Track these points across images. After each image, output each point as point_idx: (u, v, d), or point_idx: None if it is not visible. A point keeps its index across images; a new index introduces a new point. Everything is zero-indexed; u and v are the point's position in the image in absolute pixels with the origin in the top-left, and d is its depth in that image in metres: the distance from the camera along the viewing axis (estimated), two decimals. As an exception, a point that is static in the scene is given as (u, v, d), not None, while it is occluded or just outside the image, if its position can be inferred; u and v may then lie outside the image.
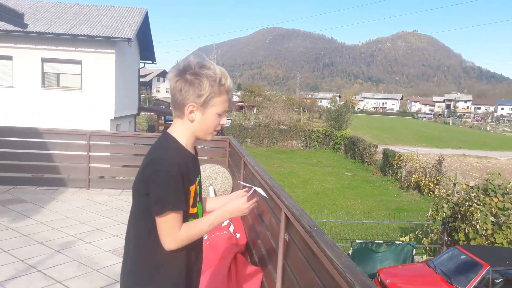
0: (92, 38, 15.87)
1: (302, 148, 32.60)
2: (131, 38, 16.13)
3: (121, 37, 16.00)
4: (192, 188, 1.53)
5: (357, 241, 9.29)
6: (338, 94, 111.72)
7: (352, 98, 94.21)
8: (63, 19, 17.30)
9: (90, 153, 5.88)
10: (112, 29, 16.71)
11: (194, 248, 1.59)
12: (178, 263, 1.52)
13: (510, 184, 10.89)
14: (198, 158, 1.74)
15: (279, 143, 32.94)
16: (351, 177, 21.45)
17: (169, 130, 1.58)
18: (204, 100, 1.50)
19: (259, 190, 1.58)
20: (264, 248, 3.22)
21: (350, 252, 8.95)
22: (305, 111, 65.77)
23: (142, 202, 1.47)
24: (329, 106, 57.40)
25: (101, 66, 16.39)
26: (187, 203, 1.50)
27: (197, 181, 1.60)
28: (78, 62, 16.32)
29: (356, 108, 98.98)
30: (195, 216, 1.59)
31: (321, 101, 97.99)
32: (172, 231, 1.43)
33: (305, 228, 1.98)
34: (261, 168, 3.50)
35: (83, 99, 16.29)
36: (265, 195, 1.61)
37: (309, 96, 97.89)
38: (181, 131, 1.56)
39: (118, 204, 5.41)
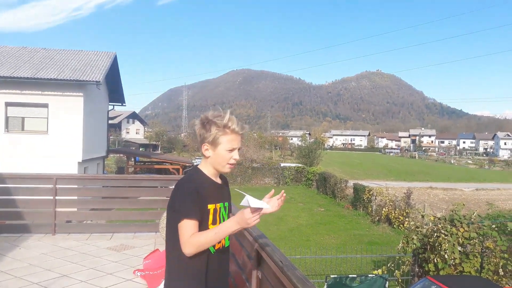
0: (59, 81, 15.79)
1: (275, 185, 32.69)
2: (99, 81, 16.15)
3: (89, 80, 16.00)
4: (211, 206, 1.91)
5: (331, 276, 9.24)
6: (308, 132, 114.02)
7: (322, 135, 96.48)
8: (29, 63, 17.19)
9: (57, 197, 5.72)
10: (80, 72, 16.70)
11: (212, 270, 1.91)
12: (199, 273, 1.87)
13: (474, 214, 11.26)
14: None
15: (252, 181, 32.92)
16: (323, 212, 21.56)
17: (199, 165, 2.04)
18: (213, 140, 1.92)
19: (252, 199, 1.79)
20: (237, 286, 3.19)
21: (325, 287, 8.88)
22: (277, 149, 66.53)
23: (171, 216, 1.88)
24: (300, 143, 58.36)
25: (69, 109, 16.21)
26: (203, 216, 1.86)
27: (220, 205, 1.98)
28: (45, 105, 16.09)
29: (326, 145, 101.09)
30: None
31: (292, 139, 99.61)
32: (186, 236, 1.79)
33: (277, 264, 2.03)
34: (233, 205, 3.53)
35: (50, 143, 15.93)
36: (262, 205, 1.81)
37: (280, 134, 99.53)
38: (204, 166, 2.01)
39: (86, 248, 5.22)
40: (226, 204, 2.06)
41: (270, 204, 2.03)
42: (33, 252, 5.00)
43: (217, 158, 1.96)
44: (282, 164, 38.73)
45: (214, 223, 1.91)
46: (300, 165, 35.12)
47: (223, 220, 1.98)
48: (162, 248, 5.15)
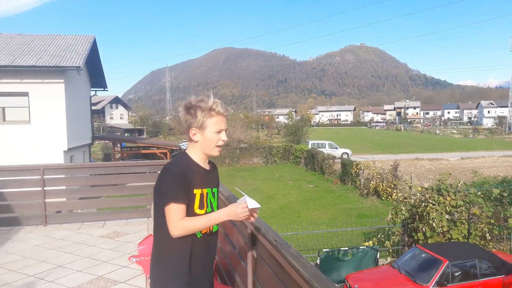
0: (38, 68, 15.35)
1: (264, 164, 32.84)
2: (80, 67, 15.77)
3: (69, 66, 15.61)
4: (197, 191, 1.95)
5: (324, 250, 9.45)
6: (294, 109, 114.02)
7: (308, 112, 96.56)
8: (5, 50, 16.65)
9: (45, 188, 5.65)
10: (59, 58, 16.27)
11: (197, 254, 1.98)
12: (183, 257, 1.94)
13: (460, 183, 11.58)
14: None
15: (240, 161, 32.99)
16: (313, 188, 21.83)
17: (187, 150, 2.08)
18: (200, 124, 1.97)
19: (249, 199, 1.93)
20: (233, 267, 3.24)
21: (318, 261, 9.08)
22: (263, 128, 66.54)
23: (157, 200, 1.92)
24: (286, 121, 58.44)
25: (50, 96, 15.84)
26: (190, 200, 1.91)
27: (207, 190, 2.02)
28: (25, 94, 15.69)
29: (312, 122, 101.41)
30: None
31: (278, 117, 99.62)
32: (175, 219, 1.84)
33: (271, 242, 2.05)
34: (224, 187, 3.54)
35: (33, 132, 15.61)
36: (257, 205, 1.94)
37: (267, 113, 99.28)
38: (192, 151, 2.05)
39: (79, 238, 5.21)
40: (215, 189, 2.10)
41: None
42: (26, 244, 4.97)
43: (205, 142, 2.01)
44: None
45: (201, 207, 1.96)
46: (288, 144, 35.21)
47: (210, 205, 2.04)
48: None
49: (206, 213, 1.98)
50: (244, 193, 1.99)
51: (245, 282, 2.70)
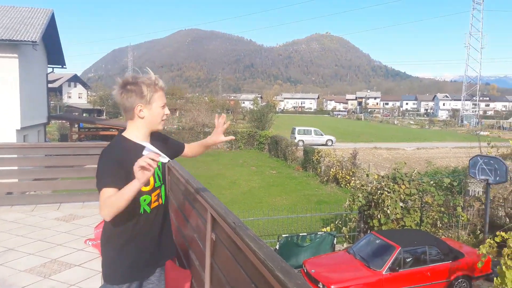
0: (-10, 41, 14.43)
1: (228, 149, 32.81)
2: (36, 41, 14.96)
3: (25, 40, 14.77)
4: None
5: (283, 235, 9.63)
6: (260, 95, 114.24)
7: (273, 99, 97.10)
8: (-48, 20, 15.50)
9: (-4, 168, 5.39)
10: (14, 31, 15.34)
11: (142, 233, 2.01)
12: (123, 237, 1.98)
13: (414, 172, 12.11)
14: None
15: (203, 146, 32.79)
16: (275, 175, 22.11)
17: (123, 132, 2.06)
18: (147, 99, 1.98)
19: (149, 146, 1.77)
20: (192, 251, 3.25)
21: (277, 246, 9.26)
22: (229, 113, 66.25)
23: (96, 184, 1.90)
24: (252, 107, 58.43)
25: (2, 71, 14.96)
26: (129, 182, 1.79)
27: None
28: (-26, 68, 14.74)
29: (277, 108, 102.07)
30: (150, 192, 2.05)
31: (244, 103, 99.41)
32: (102, 201, 1.82)
33: (230, 225, 2.08)
34: (186, 171, 3.53)
35: (-17, 109, 14.74)
36: (157, 153, 1.75)
37: (232, 97, 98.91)
38: (133, 129, 2.04)
39: (32, 220, 5.02)
40: (159, 163, 1.98)
41: (215, 134, 2.44)
42: (-27, 226, 4.74)
43: (152, 117, 2.03)
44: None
45: (147, 184, 1.95)
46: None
47: (158, 178, 2.09)
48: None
49: (153, 187, 2.03)
50: (143, 143, 1.83)
51: (203, 266, 2.72)
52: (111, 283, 2.02)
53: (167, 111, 2.09)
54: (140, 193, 1.91)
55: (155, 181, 2.05)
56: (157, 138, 2.19)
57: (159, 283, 2.24)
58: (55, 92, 65.73)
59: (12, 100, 15.10)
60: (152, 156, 1.72)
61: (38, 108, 19.09)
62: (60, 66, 22.49)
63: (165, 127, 40.64)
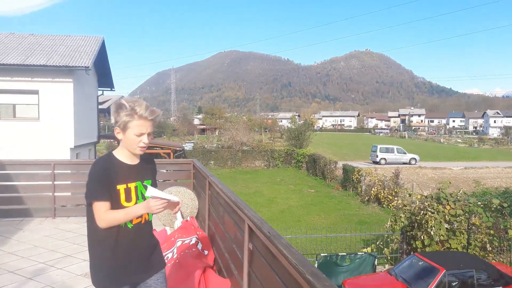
0: (49, 67, 15.68)
1: (266, 167, 33.05)
2: (88, 67, 16.08)
3: (79, 66, 15.92)
4: (121, 187, 2.11)
5: (322, 254, 9.59)
6: (298, 114, 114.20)
7: (311, 117, 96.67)
8: (17, 50, 17.01)
9: (55, 182, 5.91)
10: (69, 58, 16.60)
11: (124, 242, 2.13)
12: (107, 246, 2.09)
13: (460, 192, 11.61)
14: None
15: (242, 164, 33.24)
16: (314, 193, 21.99)
17: (114, 150, 2.23)
18: (122, 125, 2.10)
19: (152, 190, 2.02)
20: (231, 260, 3.46)
21: (316, 265, 9.23)
22: (266, 131, 66.74)
23: (85, 196, 2.09)
24: (289, 125, 58.59)
25: (59, 95, 16.18)
26: (113, 196, 2.07)
27: (136, 184, 2.18)
28: (35, 92, 16.03)
29: (315, 126, 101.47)
30: None
31: (281, 121, 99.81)
32: (98, 214, 2.02)
33: (265, 234, 2.27)
34: (225, 186, 3.76)
35: (41, 129, 15.94)
36: (165, 197, 2.03)
37: (270, 116, 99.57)
38: (119, 147, 2.20)
39: (86, 231, 5.44)
40: (147, 182, 2.23)
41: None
42: (36, 234, 5.23)
43: (127, 141, 2.13)
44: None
45: (128, 200, 2.12)
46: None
47: (142, 197, 2.19)
48: (160, 228, 5.40)
49: (135, 204, 2.14)
50: (148, 186, 2.10)
51: (241, 274, 2.91)
52: (97, 287, 2.14)
53: (145, 140, 2.14)
54: (121, 208, 2.09)
55: (137, 198, 2.16)
56: (146, 160, 2.32)
57: (156, 285, 2.32)
58: (104, 113, 69.27)
59: (67, 120, 16.24)
60: (163, 202, 2.02)
61: (89, 128, 20.31)
62: (109, 89, 23.84)
63: (205, 146, 41.69)
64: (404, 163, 34.29)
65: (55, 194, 5.97)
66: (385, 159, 34.54)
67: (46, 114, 16.07)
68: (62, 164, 6.17)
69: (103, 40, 20.11)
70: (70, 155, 16.19)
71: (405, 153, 35.67)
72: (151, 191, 2.02)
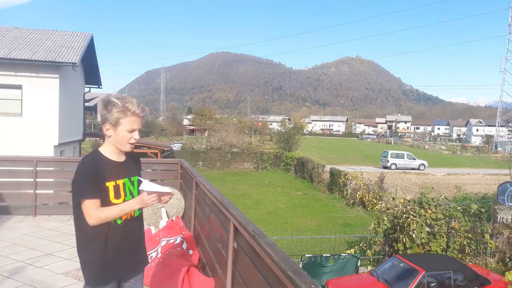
0: (34, 62, 15.37)
1: (254, 169, 33.04)
2: (75, 63, 15.85)
3: (65, 62, 15.68)
4: (110, 184, 2.10)
5: (306, 255, 9.64)
6: (288, 117, 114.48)
7: (301, 121, 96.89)
8: (1, 42, 16.65)
9: (37, 180, 5.79)
10: (56, 53, 16.34)
11: (113, 239, 2.13)
12: (98, 243, 2.09)
13: (441, 197, 11.87)
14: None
15: (231, 166, 33.16)
16: (301, 196, 22.06)
17: (100, 147, 2.22)
18: (113, 121, 2.09)
19: (146, 184, 2.04)
20: (215, 259, 3.44)
21: (300, 266, 9.26)
22: (256, 134, 66.76)
23: (73, 194, 2.07)
24: (279, 128, 58.73)
25: (44, 91, 15.88)
26: (102, 193, 2.06)
27: (124, 180, 2.17)
28: (18, 87, 15.70)
29: (304, 130, 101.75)
30: None
31: (271, 124, 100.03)
32: (89, 212, 2.00)
33: (250, 233, 2.27)
34: (212, 186, 3.75)
35: (24, 125, 15.61)
36: (158, 189, 2.03)
37: (260, 119, 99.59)
38: (106, 145, 2.19)
39: (68, 229, 5.35)
40: (134, 178, 2.24)
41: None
42: (15, 232, 5.11)
43: (117, 138, 2.13)
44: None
45: (117, 197, 2.12)
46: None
47: (130, 193, 2.20)
48: (144, 227, 5.33)
49: (124, 201, 2.13)
50: (142, 179, 2.10)
51: (225, 273, 2.90)
52: (90, 286, 2.14)
53: (136, 136, 2.16)
54: (110, 204, 2.09)
55: (125, 195, 2.16)
56: (133, 157, 2.33)
57: (136, 282, 2.34)
58: (90, 110, 68.48)
59: (51, 117, 15.96)
60: (156, 194, 2.03)
61: (75, 126, 20.03)
62: (97, 86, 23.56)
63: (194, 147, 41.49)
64: (413, 169, 35.41)
65: (37, 191, 5.85)
66: (395, 164, 35.47)
67: (30, 110, 15.75)
68: (45, 161, 6.06)
69: (92, 37, 19.87)
70: (54, 152, 15.92)
71: (414, 159, 36.54)
72: (145, 185, 2.02)
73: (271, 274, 1.88)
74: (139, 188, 2.04)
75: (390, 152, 37.10)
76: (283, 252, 1.88)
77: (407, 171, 34.38)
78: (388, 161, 35.47)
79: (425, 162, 36.42)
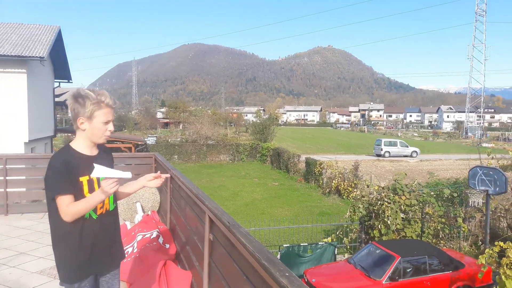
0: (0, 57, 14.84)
1: (231, 161, 33.05)
2: (43, 57, 15.35)
3: (33, 56, 15.16)
4: (84, 179, 2.10)
5: (284, 245, 9.77)
6: (263, 108, 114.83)
7: (276, 112, 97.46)
8: (-36, 37, 15.96)
9: (7, 178, 5.64)
10: (22, 47, 15.77)
11: (89, 234, 2.13)
12: (73, 239, 2.09)
13: (415, 183, 12.19)
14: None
15: (207, 158, 33.05)
16: (277, 186, 22.26)
17: (71, 142, 2.20)
18: (88, 114, 2.08)
19: (98, 168, 2.00)
20: (192, 252, 3.47)
21: (278, 256, 9.39)
22: (231, 125, 66.63)
23: (46, 191, 2.06)
24: (254, 120, 58.78)
25: (11, 86, 15.34)
26: (77, 188, 2.06)
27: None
28: (-17, 83, 15.12)
29: (279, 121, 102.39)
30: None
31: (246, 115, 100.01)
32: (63, 208, 1.99)
33: (225, 224, 2.31)
34: (186, 179, 3.76)
35: (-8, 122, 15.08)
36: (112, 175, 2.01)
37: (235, 110, 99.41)
38: (78, 139, 2.18)
39: (42, 227, 5.26)
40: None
41: (152, 182, 2.33)
42: (-14, 232, 4.98)
43: (93, 131, 2.13)
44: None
45: (92, 192, 2.11)
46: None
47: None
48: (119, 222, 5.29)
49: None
50: (95, 165, 2.03)
51: (202, 265, 2.94)
52: (66, 282, 2.13)
53: (110, 127, 2.17)
54: (79, 200, 2.06)
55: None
56: (105, 151, 2.34)
57: (113, 277, 2.35)
58: (61, 106, 66.51)
59: (20, 113, 15.45)
60: (114, 180, 1.99)
61: (45, 122, 19.46)
62: (67, 81, 22.94)
63: (169, 140, 41.07)
64: (405, 156, 36.59)
65: (8, 190, 5.70)
66: (389, 152, 36.47)
67: (-3, 106, 15.21)
68: (15, 158, 5.90)
69: (60, 30, 19.25)
70: (25, 149, 15.45)
71: (407, 147, 37.73)
72: (97, 171, 1.98)
73: (246, 264, 1.93)
74: (91, 175, 1.99)
75: (383, 140, 38.37)
76: (258, 242, 1.93)
77: (380, 159, 35.15)
78: (381, 149, 36.43)
79: (417, 149, 37.76)
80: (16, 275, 3.69)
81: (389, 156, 36.16)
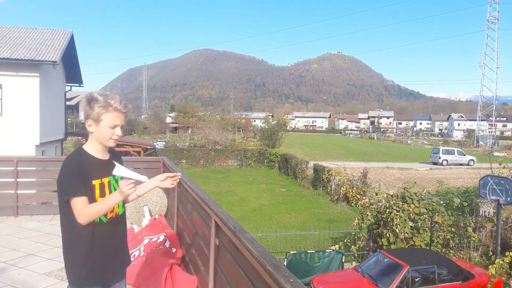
0: (13, 61, 15.08)
1: (238, 167, 33.06)
2: (56, 61, 15.59)
3: (46, 60, 15.41)
4: (96, 182, 2.11)
5: (291, 252, 9.71)
6: (271, 114, 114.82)
7: (284, 117, 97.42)
8: (-21, 41, 16.29)
9: (18, 180, 5.72)
10: (36, 52, 16.04)
11: (100, 238, 2.13)
12: (85, 242, 2.09)
13: (424, 192, 12.04)
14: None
15: (215, 163, 33.12)
16: (285, 192, 22.19)
17: (84, 145, 2.22)
18: (95, 117, 2.10)
19: (119, 168, 2.03)
20: (198, 257, 3.48)
21: (285, 263, 9.34)
22: (240, 131, 66.75)
23: (59, 193, 2.06)
24: (262, 125, 58.84)
25: (24, 90, 15.59)
26: (89, 191, 2.06)
27: (109, 179, 2.19)
28: (-3, 86, 15.39)
29: (288, 127, 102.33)
30: None
31: (255, 121, 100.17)
32: (78, 210, 1.99)
33: (230, 229, 2.31)
34: (193, 183, 3.77)
35: (4, 125, 15.31)
36: (131, 176, 2.03)
37: (243, 116, 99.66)
38: (90, 142, 2.20)
39: (50, 229, 5.31)
40: (118, 177, 2.21)
41: (164, 183, 2.28)
42: (-4, 233, 5.04)
43: (100, 134, 2.13)
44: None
45: (102, 196, 2.12)
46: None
47: (114, 189, 2.20)
48: (129, 225, 5.32)
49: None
50: (116, 163, 2.07)
51: (207, 270, 2.94)
52: (75, 285, 2.12)
53: (118, 132, 2.17)
54: (95, 202, 2.08)
55: (110, 192, 2.17)
56: (115, 155, 2.35)
57: (120, 284, 2.35)
58: (72, 109, 67.35)
59: (32, 116, 15.69)
60: (131, 181, 2.00)
61: (56, 125, 19.71)
62: (78, 85, 23.24)
63: (178, 145, 41.29)
64: (461, 164, 37.05)
65: (18, 191, 5.77)
66: (446, 160, 37.02)
67: (10, 109, 15.44)
68: (26, 160, 5.98)
69: (72, 34, 19.56)
70: (36, 152, 15.65)
71: (464, 155, 38.28)
72: (118, 169, 2.01)
73: (251, 269, 1.94)
74: (113, 173, 2.02)
75: (441, 148, 39.02)
76: (263, 247, 1.93)
77: (390, 166, 34.88)
78: (439, 158, 37.03)
79: (474, 158, 38.09)
80: (24, 276, 3.73)
81: (447, 164, 36.70)
